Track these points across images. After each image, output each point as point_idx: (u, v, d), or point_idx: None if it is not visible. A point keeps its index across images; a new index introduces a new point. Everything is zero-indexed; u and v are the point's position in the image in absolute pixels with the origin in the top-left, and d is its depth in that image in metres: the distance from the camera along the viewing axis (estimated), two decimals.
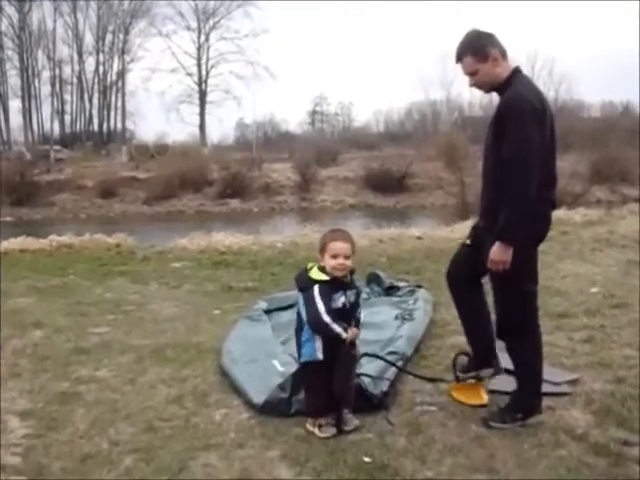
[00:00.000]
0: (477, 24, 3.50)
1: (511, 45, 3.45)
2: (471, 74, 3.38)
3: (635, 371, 4.15)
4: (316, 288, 3.31)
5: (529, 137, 3.15)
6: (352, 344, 3.39)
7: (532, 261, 3.38)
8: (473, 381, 3.74)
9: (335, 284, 3.35)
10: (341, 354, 3.34)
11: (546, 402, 3.55)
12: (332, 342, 3.32)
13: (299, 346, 3.46)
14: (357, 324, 3.44)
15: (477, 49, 3.33)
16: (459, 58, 3.40)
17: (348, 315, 3.39)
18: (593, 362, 4.36)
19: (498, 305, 3.45)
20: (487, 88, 3.48)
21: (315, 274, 3.35)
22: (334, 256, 3.33)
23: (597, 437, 3.26)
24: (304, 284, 3.38)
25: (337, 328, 3.28)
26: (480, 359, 3.70)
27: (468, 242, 3.66)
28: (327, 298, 3.30)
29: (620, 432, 3.32)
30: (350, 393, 3.42)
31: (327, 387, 3.33)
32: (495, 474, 2.95)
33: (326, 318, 3.27)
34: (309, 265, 3.45)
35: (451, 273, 3.75)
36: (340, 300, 3.35)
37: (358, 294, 3.50)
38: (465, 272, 3.64)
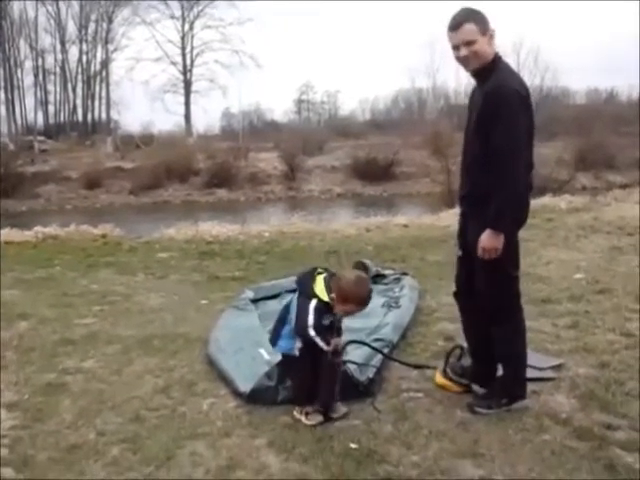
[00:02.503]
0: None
1: (498, 32, 3.40)
2: (468, 43, 3.24)
3: (619, 356, 4.20)
4: (313, 303, 3.33)
5: (519, 127, 3.16)
6: (335, 353, 3.40)
7: (515, 246, 3.40)
8: None
9: (330, 307, 3.38)
10: (324, 363, 3.37)
11: (531, 387, 3.59)
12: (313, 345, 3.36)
13: (276, 336, 3.50)
14: (339, 333, 3.47)
15: (479, 19, 3.26)
16: (459, 25, 3.25)
17: (332, 328, 3.42)
18: (577, 347, 4.40)
19: (483, 291, 3.46)
20: (475, 64, 3.31)
21: (320, 291, 3.37)
22: (348, 312, 3.39)
23: (581, 421, 3.31)
24: (305, 291, 3.40)
25: (320, 342, 3.31)
26: (478, 375, 3.69)
27: (460, 253, 3.64)
28: (319, 316, 3.33)
29: (604, 416, 3.36)
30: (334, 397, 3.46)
31: (309, 376, 3.38)
32: (480, 459, 2.99)
33: (312, 332, 3.30)
34: (318, 270, 3.46)
35: (457, 291, 3.73)
36: (329, 319, 3.39)
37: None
38: (468, 285, 3.59)
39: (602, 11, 76.91)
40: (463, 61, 3.33)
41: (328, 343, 3.33)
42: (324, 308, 3.34)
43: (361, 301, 3.38)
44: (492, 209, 3.19)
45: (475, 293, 3.51)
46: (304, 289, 3.42)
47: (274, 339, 3.53)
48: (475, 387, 3.67)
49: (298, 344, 3.39)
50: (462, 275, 3.64)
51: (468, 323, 3.73)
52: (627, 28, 66.98)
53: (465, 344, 3.83)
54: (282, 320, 3.49)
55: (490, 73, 3.28)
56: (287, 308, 3.48)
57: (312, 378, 3.39)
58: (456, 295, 3.75)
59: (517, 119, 3.15)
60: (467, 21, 3.26)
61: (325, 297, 3.35)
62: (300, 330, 3.34)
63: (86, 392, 3.92)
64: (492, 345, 3.55)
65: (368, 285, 3.50)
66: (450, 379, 3.75)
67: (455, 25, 3.28)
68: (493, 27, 3.32)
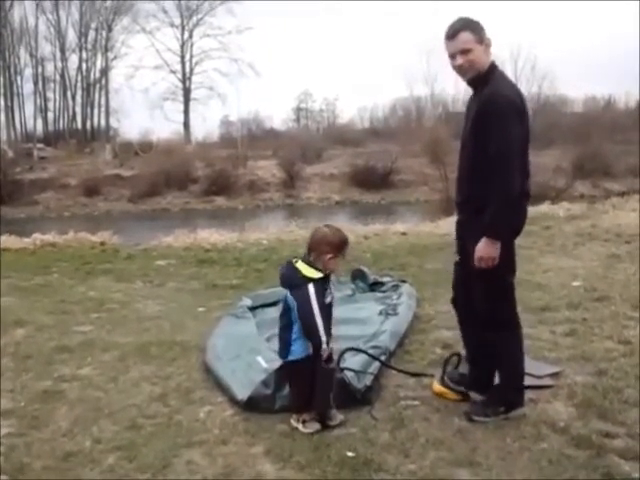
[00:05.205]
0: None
1: (495, 41, 3.42)
2: (465, 51, 3.28)
3: (616, 363, 4.19)
4: (311, 287, 3.29)
5: (513, 134, 3.17)
6: (328, 359, 3.37)
7: (512, 253, 3.40)
8: None
9: (325, 280, 3.36)
10: (320, 371, 3.34)
11: (529, 395, 3.58)
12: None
13: (287, 344, 3.39)
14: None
15: (476, 28, 3.30)
16: (456, 33, 3.29)
17: (331, 311, 3.41)
18: (575, 355, 4.39)
19: (480, 298, 3.45)
20: (471, 73, 3.35)
21: (308, 272, 3.33)
22: (340, 257, 3.37)
23: (579, 429, 3.29)
24: (296, 282, 3.35)
25: (323, 336, 3.27)
26: (476, 383, 3.67)
27: (457, 259, 3.63)
28: (321, 298, 3.30)
29: (601, 424, 3.35)
30: (330, 404, 3.44)
31: (310, 382, 3.35)
32: (477, 467, 2.97)
33: (318, 320, 3.25)
34: (293, 260, 3.43)
35: (455, 298, 3.72)
36: (329, 296, 3.37)
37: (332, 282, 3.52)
38: (466, 292, 3.57)
39: (601, 18, 77.23)
40: (459, 70, 3.36)
41: (327, 343, 3.30)
42: (321, 286, 3.32)
43: (342, 239, 3.40)
44: (486, 217, 3.20)
45: (472, 300, 3.49)
46: (294, 282, 3.36)
47: (285, 350, 3.41)
48: (473, 395, 3.66)
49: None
50: (459, 282, 3.64)
51: (466, 330, 3.72)
52: (626, 36, 67.01)
53: (463, 352, 3.83)
54: (287, 325, 3.39)
55: (486, 82, 3.31)
56: (287, 312, 3.39)
57: (312, 385, 3.35)
58: (454, 302, 3.75)
59: (510, 127, 3.16)
60: (464, 30, 3.29)
61: (316, 274, 3.31)
62: (306, 320, 3.26)
63: (82, 400, 3.90)
64: (491, 352, 3.54)
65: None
66: (448, 387, 3.74)
67: (452, 34, 3.31)
68: (489, 37, 3.35)
